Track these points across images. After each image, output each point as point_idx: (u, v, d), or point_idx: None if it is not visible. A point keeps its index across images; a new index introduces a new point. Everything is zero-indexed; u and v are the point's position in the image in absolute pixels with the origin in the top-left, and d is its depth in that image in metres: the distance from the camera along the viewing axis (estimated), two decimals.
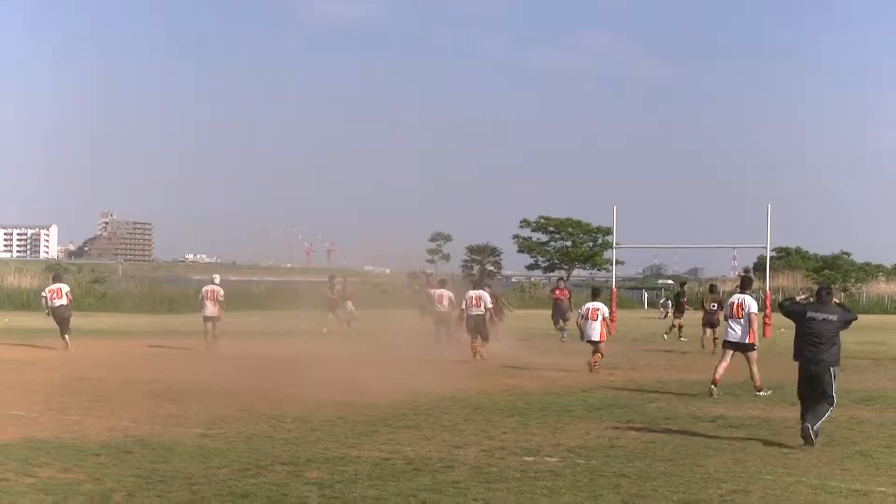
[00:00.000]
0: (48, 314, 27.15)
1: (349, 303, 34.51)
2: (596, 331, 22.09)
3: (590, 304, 22.49)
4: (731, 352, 18.39)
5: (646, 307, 69.21)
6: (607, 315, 22.72)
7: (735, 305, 18.38)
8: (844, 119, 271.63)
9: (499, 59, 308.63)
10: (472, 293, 25.77)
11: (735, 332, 18.30)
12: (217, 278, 29.19)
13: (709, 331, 29.22)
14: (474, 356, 24.58)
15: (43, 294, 27.98)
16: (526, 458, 11.77)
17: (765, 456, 12.13)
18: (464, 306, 25.55)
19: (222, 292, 28.61)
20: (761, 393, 18.01)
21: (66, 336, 26.68)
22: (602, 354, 22.24)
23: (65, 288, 27.77)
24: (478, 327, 25.21)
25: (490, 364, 23.45)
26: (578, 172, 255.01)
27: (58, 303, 27.03)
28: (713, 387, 18.08)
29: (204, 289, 28.82)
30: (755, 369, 18.36)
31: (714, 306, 29.16)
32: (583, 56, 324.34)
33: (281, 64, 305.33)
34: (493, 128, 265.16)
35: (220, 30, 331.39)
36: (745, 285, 19.18)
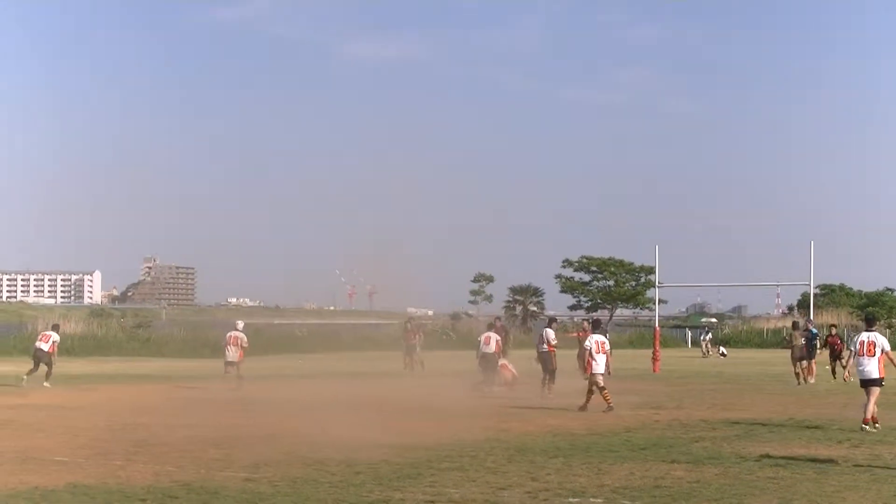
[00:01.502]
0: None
1: (417, 346, 35.34)
2: (604, 363, 22.10)
3: (598, 338, 22.39)
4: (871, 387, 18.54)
5: (689, 346, 68.69)
6: (609, 348, 22.51)
7: (866, 343, 18.63)
8: (887, 152, 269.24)
9: (530, 96, 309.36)
10: (540, 332, 28.28)
11: (868, 368, 18.49)
12: (241, 324, 29.83)
13: (798, 364, 30.53)
14: (543, 387, 26.31)
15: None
16: (571, 500, 11.72)
17: (810, 494, 12.00)
18: (535, 341, 28.11)
19: (246, 339, 29.22)
20: (867, 427, 18.07)
21: (26, 378, 28.64)
22: (606, 388, 21.94)
23: (53, 336, 30.41)
24: (544, 364, 26.83)
25: (531, 404, 23.37)
26: (620, 212, 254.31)
27: (41, 346, 29.84)
28: (865, 426, 18.15)
29: (228, 334, 29.48)
30: (873, 403, 18.40)
31: (803, 341, 30.25)
32: (618, 92, 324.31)
33: (316, 107, 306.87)
34: (529, 168, 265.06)
35: (257, 74, 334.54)
36: (870, 323, 19.60)
